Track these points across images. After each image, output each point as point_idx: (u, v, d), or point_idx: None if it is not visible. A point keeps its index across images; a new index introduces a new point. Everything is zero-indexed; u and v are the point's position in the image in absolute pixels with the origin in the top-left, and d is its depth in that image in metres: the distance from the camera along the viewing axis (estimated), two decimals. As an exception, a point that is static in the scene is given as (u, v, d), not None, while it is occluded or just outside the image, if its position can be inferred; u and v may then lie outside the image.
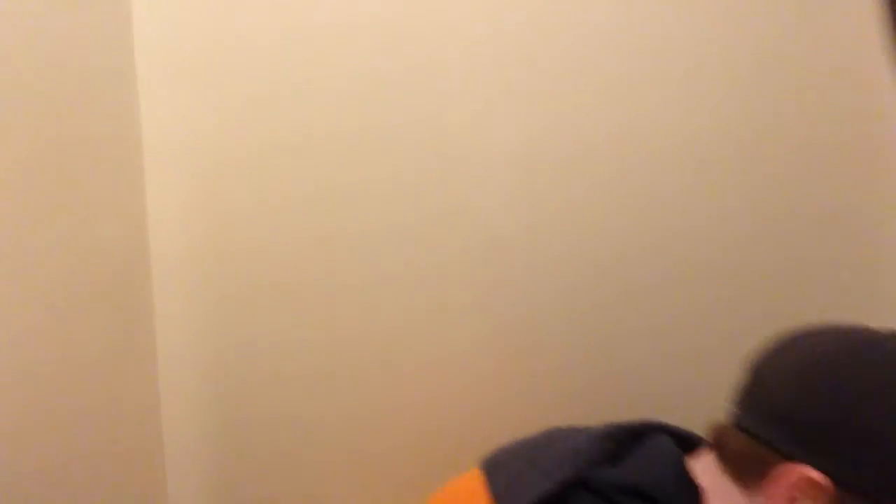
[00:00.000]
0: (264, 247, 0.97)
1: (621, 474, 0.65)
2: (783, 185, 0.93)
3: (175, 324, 1.00)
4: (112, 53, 0.95)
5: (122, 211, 0.97)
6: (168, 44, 0.95)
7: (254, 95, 0.95)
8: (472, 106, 0.94)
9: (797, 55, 0.91)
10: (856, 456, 0.59)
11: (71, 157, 0.90)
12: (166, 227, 0.98)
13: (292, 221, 0.97)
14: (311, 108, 0.95)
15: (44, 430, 0.87)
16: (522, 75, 0.93)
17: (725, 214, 0.93)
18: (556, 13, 0.92)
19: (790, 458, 0.61)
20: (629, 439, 0.70)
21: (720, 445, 0.66)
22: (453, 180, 0.95)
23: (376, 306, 0.97)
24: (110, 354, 0.96)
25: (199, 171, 0.96)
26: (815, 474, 0.59)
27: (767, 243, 0.94)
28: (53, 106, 0.88)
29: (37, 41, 0.85)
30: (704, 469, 0.67)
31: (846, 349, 0.63)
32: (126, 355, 0.98)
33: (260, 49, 0.94)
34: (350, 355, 0.97)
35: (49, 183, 0.88)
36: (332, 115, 0.95)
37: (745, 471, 0.64)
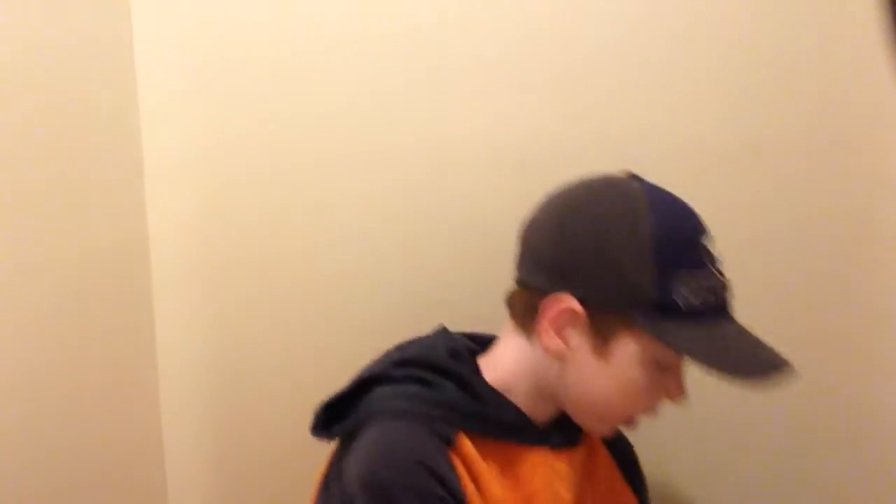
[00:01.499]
0: (263, 249, 0.97)
1: (394, 355, 0.76)
2: (783, 185, 0.93)
3: (175, 326, 1.00)
4: (112, 60, 0.95)
5: (122, 215, 0.97)
6: (168, 51, 0.95)
7: (254, 102, 0.95)
8: (471, 109, 0.94)
9: (797, 55, 0.90)
10: (597, 279, 0.70)
11: (72, 162, 0.91)
12: (166, 231, 0.98)
13: (291, 224, 0.97)
14: (310, 114, 0.95)
15: (45, 430, 0.88)
16: (522, 75, 0.93)
17: (725, 214, 0.93)
18: (556, 15, 0.92)
19: (550, 293, 0.71)
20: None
21: (509, 307, 0.76)
22: (453, 183, 0.95)
23: (376, 309, 0.97)
24: (111, 357, 0.96)
25: (199, 177, 0.97)
26: (569, 301, 0.70)
27: (767, 244, 0.94)
28: (54, 112, 0.88)
29: (38, 48, 0.86)
30: (505, 337, 0.76)
31: (582, 194, 0.73)
32: (126, 357, 0.99)
33: (259, 57, 0.94)
34: (349, 356, 0.98)
35: (50, 189, 0.88)
36: (331, 122, 0.95)
37: (524, 317, 0.74)
